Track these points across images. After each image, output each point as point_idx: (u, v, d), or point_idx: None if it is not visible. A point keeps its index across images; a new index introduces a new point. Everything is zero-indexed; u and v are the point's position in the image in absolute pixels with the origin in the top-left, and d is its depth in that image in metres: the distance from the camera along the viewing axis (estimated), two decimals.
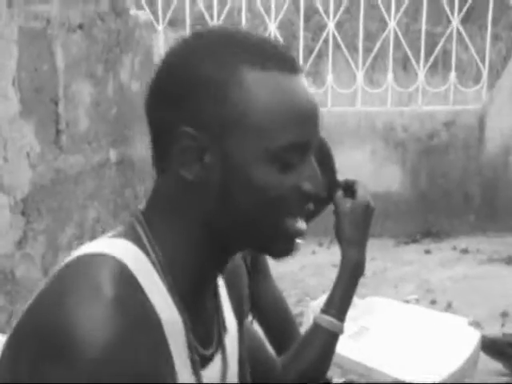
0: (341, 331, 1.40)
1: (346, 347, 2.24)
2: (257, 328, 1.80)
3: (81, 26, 2.23)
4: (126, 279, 0.83)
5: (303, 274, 4.24)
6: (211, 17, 4.99)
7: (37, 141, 1.91)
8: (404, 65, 6.55)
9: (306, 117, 0.88)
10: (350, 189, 1.46)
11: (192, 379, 0.92)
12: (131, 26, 2.72)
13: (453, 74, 5.11)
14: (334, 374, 2.17)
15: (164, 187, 0.92)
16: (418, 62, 5.12)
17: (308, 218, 1.57)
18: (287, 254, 0.94)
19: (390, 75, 5.11)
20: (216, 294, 1.01)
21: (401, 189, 5.04)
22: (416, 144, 5.02)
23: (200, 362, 0.92)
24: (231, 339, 1.03)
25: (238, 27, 0.96)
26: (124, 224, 0.94)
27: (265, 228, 0.90)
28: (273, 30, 4.99)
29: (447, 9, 5.09)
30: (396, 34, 5.04)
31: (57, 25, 2.05)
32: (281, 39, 4.95)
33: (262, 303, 1.86)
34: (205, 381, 0.93)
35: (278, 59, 0.87)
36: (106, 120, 2.45)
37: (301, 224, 0.93)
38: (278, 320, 1.89)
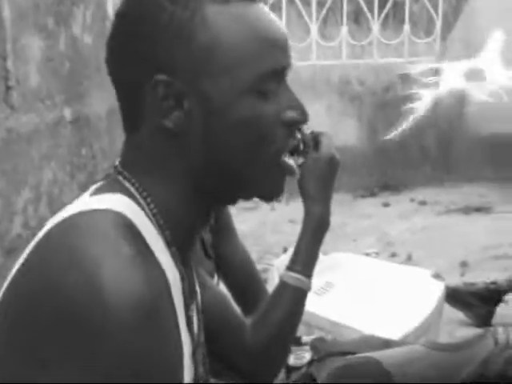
0: (309, 288, 1.35)
1: (311, 303, 2.20)
2: (222, 288, 1.75)
3: None
4: (135, 235, 0.78)
5: (262, 231, 4.20)
6: None
7: None
8: (356, 18, 6.48)
9: (277, 43, 0.85)
10: (315, 140, 1.40)
11: (187, 336, 0.87)
12: None
13: (407, 26, 5.06)
14: (299, 331, 2.13)
15: (142, 142, 0.86)
16: (371, 14, 5.05)
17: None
18: (279, 194, 0.91)
19: (344, 28, 5.03)
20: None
21: (357, 143, 5.00)
22: (372, 97, 4.97)
23: None
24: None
25: None
26: (103, 180, 0.88)
27: (254, 167, 0.87)
28: None
29: None
30: None
31: None
32: None
33: (228, 263, 1.82)
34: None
35: None
36: (59, 76, 2.32)
37: (289, 160, 0.91)
38: (244, 279, 1.85)
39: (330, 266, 2.58)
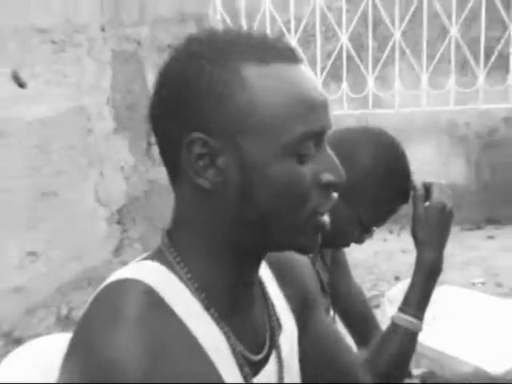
0: (420, 329, 1.22)
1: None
2: (338, 323, 1.64)
3: (170, 46, 2.08)
4: (151, 302, 0.73)
5: (376, 260, 4.02)
6: (288, 31, 4.79)
7: (130, 154, 1.76)
8: (461, 67, 6.21)
9: (315, 104, 0.75)
10: (426, 190, 1.27)
11: None
12: None
13: (510, 76, 4.75)
14: None
15: (181, 201, 0.79)
16: (476, 64, 4.79)
17: (383, 219, 1.38)
18: (313, 249, 0.80)
19: (452, 78, 4.78)
20: (264, 295, 0.88)
21: (465, 181, 4.69)
22: (478, 139, 4.67)
23: (252, 369, 0.81)
24: (288, 338, 0.90)
25: (231, 27, 0.80)
26: (153, 248, 0.83)
27: (288, 226, 0.76)
28: (345, 42, 4.73)
29: (504, 15, 4.74)
30: (456, 39, 4.72)
31: (147, 46, 1.89)
32: (352, 50, 4.72)
33: (342, 299, 1.71)
34: None
35: (277, 51, 0.75)
36: None
37: (325, 218, 0.79)
38: (358, 316, 1.76)
39: (436, 298, 2.36)
